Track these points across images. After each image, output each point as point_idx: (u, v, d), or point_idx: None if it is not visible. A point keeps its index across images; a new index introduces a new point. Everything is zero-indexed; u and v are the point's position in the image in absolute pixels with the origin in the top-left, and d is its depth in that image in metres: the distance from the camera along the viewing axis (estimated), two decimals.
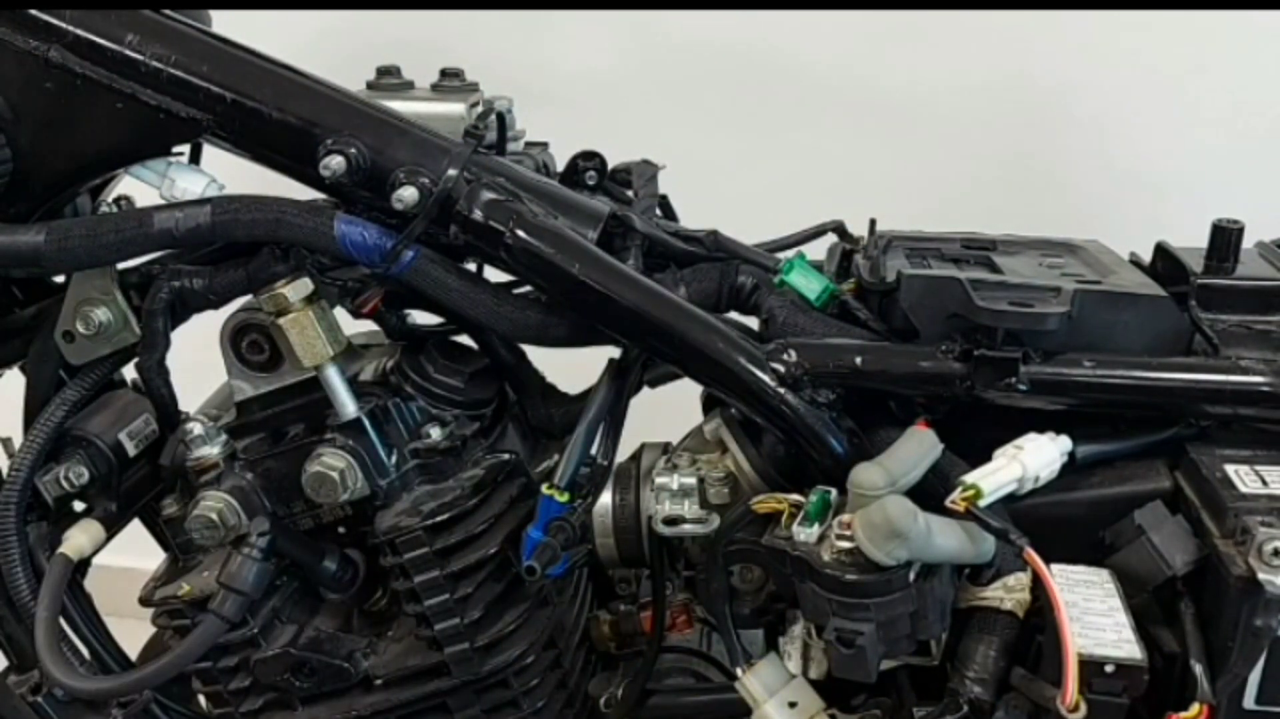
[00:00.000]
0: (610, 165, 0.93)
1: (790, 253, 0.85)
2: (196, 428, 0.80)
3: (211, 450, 0.78)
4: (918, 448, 0.73)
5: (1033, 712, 0.70)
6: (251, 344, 0.79)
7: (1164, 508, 0.73)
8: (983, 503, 0.70)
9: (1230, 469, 0.72)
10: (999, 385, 0.74)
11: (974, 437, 0.76)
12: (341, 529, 0.82)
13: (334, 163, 0.74)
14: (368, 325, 0.86)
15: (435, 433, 0.80)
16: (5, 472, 0.84)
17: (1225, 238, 0.80)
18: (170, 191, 0.79)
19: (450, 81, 0.91)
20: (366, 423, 0.77)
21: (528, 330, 0.81)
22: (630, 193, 0.92)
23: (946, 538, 0.70)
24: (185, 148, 0.80)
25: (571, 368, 0.90)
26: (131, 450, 0.86)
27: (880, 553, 0.67)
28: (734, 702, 0.83)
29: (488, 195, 0.76)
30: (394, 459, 0.79)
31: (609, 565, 0.91)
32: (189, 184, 0.79)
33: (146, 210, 0.77)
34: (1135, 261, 0.87)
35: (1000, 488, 0.71)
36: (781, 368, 0.76)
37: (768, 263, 0.85)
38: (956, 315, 0.75)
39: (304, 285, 0.74)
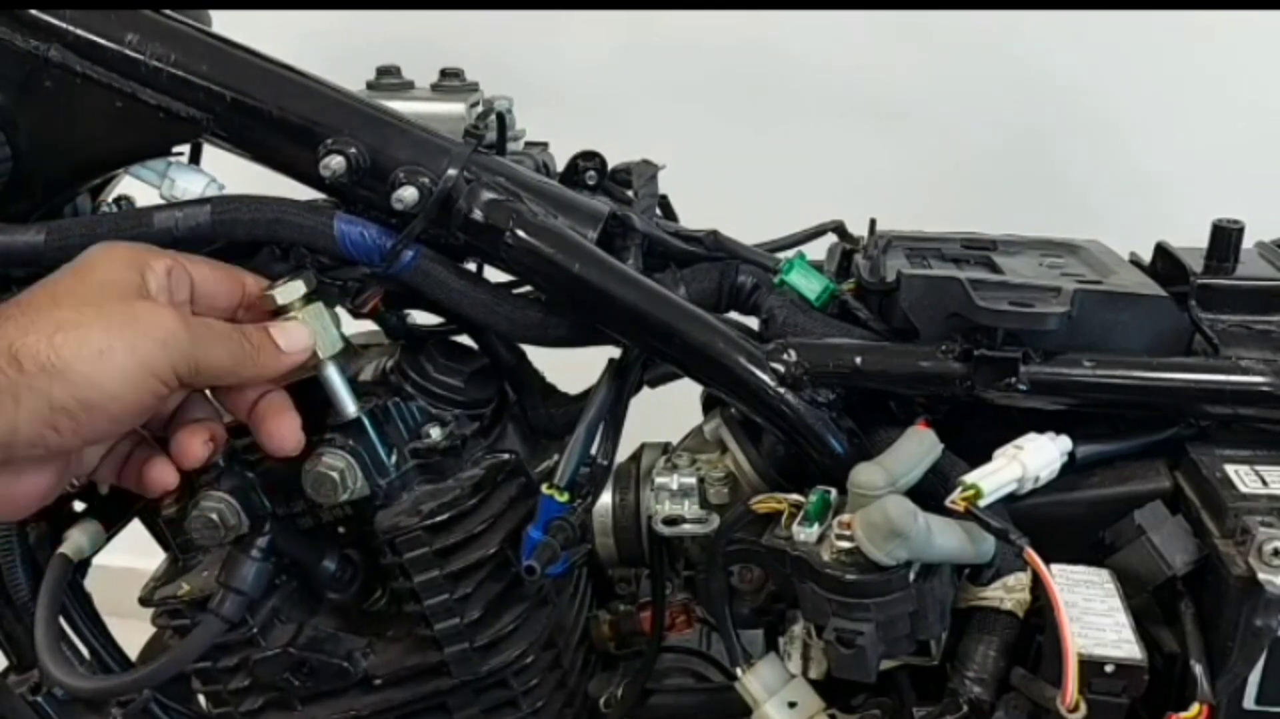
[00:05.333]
0: (610, 165, 0.93)
1: (790, 253, 0.85)
2: None
3: None
4: (918, 448, 0.73)
5: (1033, 712, 0.70)
6: None
7: (1164, 508, 0.73)
8: (983, 503, 0.70)
9: (1230, 469, 0.72)
10: (999, 385, 0.74)
11: (974, 436, 0.76)
12: (341, 529, 0.82)
13: (334, 162, 0.74)
14: (368, 325, 0.86)
15: (435, 433, 0.80)
16: None
17: (1225, 238, 0.80)
18: (170, 191, 0.79)
19: (450, 81, 0.91)
20: (366, 423, 0.77)
21: (528, 330, 0.81)
22: (630, 193, 0.92)
23: (946, 538, 0.70)
24: (185, 148, 0.80)
25: (571, 368, 0.90)
26: None
27: (880, 553, 0.67)
28: (734, 702, 0.83)
29: (488, 195, 0.76)
30: (394, 459, 0.79)
31: (609, 565, 0.91)
32: (189, 184, 0.79)
33: (146, 210, 0.77)
34: (1135, 261, 0.87)
35: (1000, 488, 0.71)
36: (781, 368, 0.76)
37: (768, 263, 0.85)
38: (956, 315, 0.75)
39: (304, 284, 0.73)
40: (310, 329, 0.73)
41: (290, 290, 0.73)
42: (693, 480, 0.84)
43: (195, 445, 0.71)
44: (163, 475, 0.71)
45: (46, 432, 0.62)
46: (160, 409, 0.69)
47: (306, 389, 0.75)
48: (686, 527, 0.82)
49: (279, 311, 0.73)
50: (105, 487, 0.75)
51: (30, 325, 0.62)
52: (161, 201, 0.79)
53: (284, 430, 0.73)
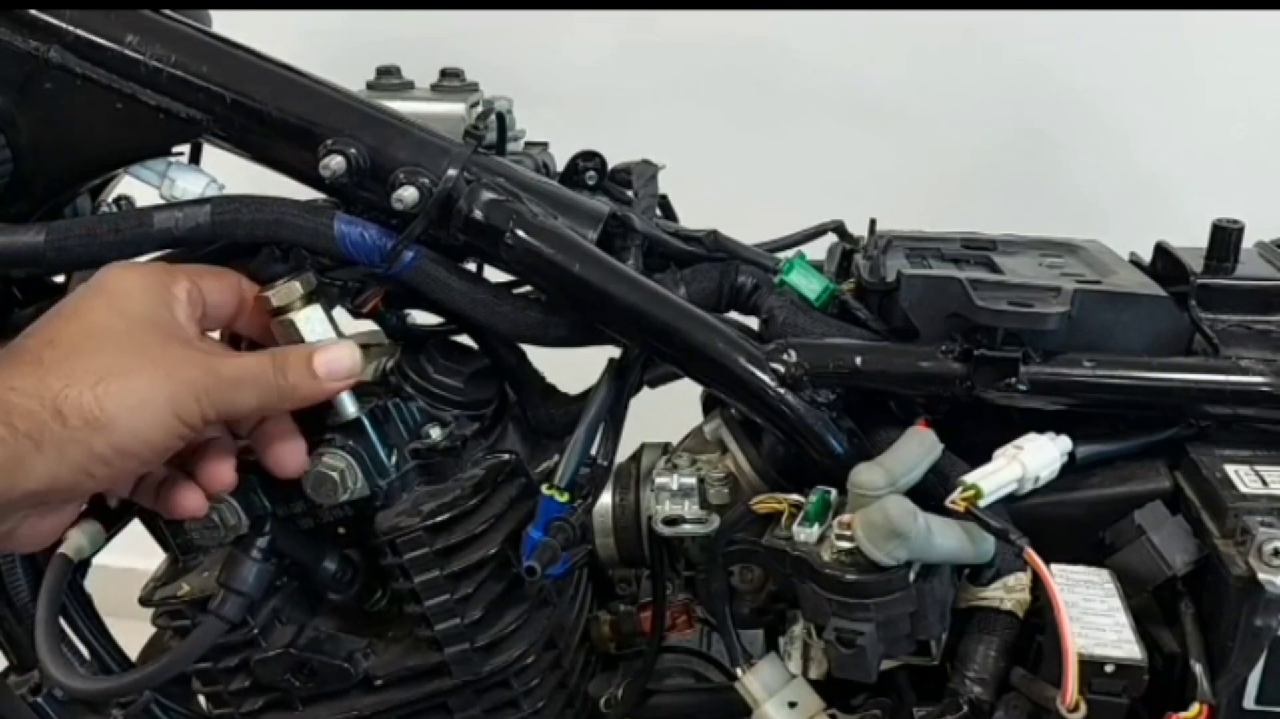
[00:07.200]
0: (610, 165, 0.93)
1: (790, 253, 0.85)
2: None
3: None
4: (918, 448, 0.73)
5: (1033, 712, 0.70)
6: (251, 344, 0.79)
7: (1164, 508, 0.73)
8: (983, 503, 0.70)
9: (1230, 469, 0.72)
10: (999, 385, 0.74)
11: (974, 437, 0.76)
12: (341, 529, 0.82)
13: (334, 163, 0.74)
14: (368, 325, 0.86)
15: (435, 433, 0.80)
16: None
17: (1225, 238, 0.80)
18: (170, 191, 0.79)
19: (450, 81, 0.91)
20: (366, 423, 0.77)
21: (527, 330, 0.81)
22: (630, 193, 0.92)
23: (946, 538, 0.70)
24: (185, 148, 0.80)
25: (571, 368, 0.90)
26: None
27: (880, 553, 0.67)
28: (734, 702, 0.83)
29: (488, 195, 0.76)
30: (394, 459, 0.79)
31: (609, 565, 0.91)
32: (189, 184, 0.79)
33: (146, 210, 0.77)
34: (1135, 261, 0.87)
35: (1000, 488, 0.71)
36: (781, 368, 0.76)
37: (768, 263, 0.85)
38: (956, 315, 0.75)
39: (305, 282, 0.73)
40: (358, 354, 0.72)
41: (288, 291, 0.73)
42: (693, 480, 0.84)
43: (225, 471, 0.72)
44: (192, 501, 0.71)
45: (83, 479, 0.63)
46: None
47: None
48: (686, 527, 0.82)
49: (277, 312, 0.73)
50: (114, 500, 0.76)
51: (72, 375, 0.62)
52: (161, 201, 0.79)
53: (289, 457, 0.73)
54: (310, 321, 0.73)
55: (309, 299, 0.74)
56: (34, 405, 0.61)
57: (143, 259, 0.76)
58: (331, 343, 0.72)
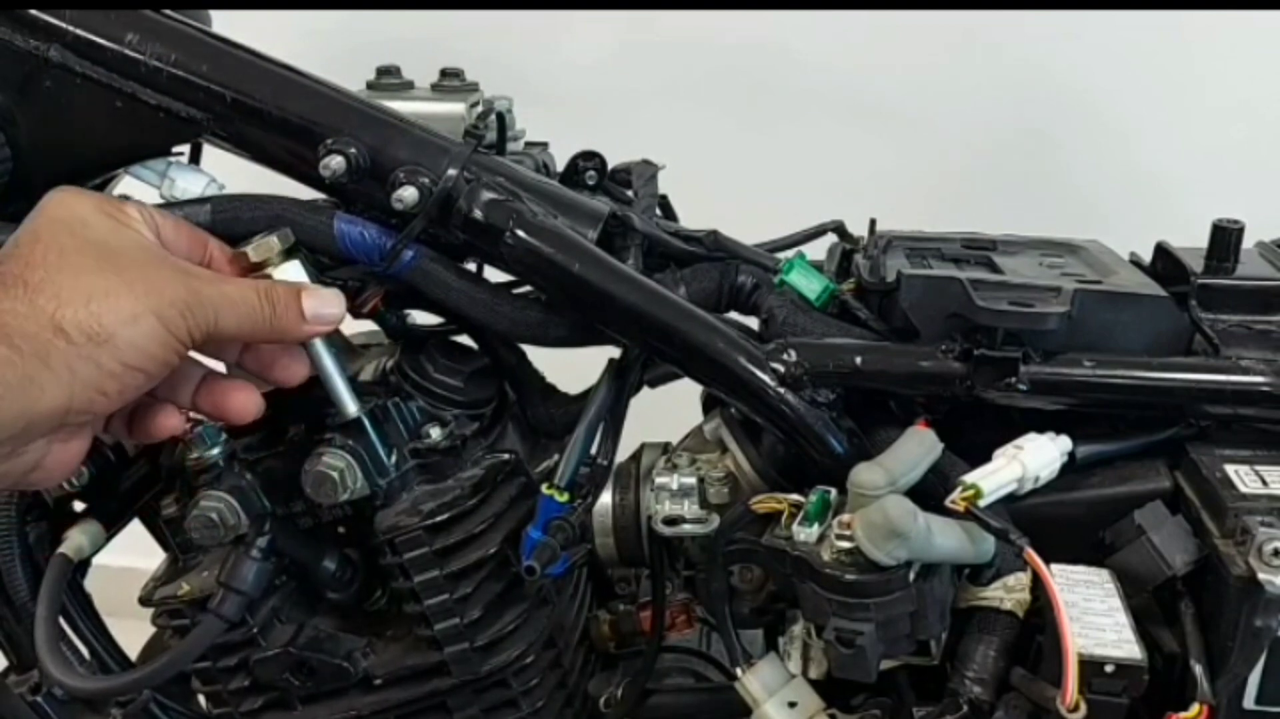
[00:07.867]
0: (610, 165, 0.93)
1: (790, 253, 0.85)
2: (196, 427, 0.80)
3: (211, 450, 0.78)
4: (918, 448, 0.73)
5: (1033, 712, 0.70)
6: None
7: (1164, 508, 0.73)
8: (983, 503, 0.70)
9: (1230, 469, 0.72)
10: (999, 385, 0.74)
11: (974, 437, 0.76)
12: (341, 529, 0.82)
13: (334, 162, 0.74)
14: (368, 325, 0.86)
15: (435, 433, 0.80)
16: None
17: (1225, 238, 0.80)
18: (170, 191, 0.79)
19: (450, 81, 0.91)
20: (366, 422, 0.77)
21: (527, 329, 0.81)
22: (630, 193, 0.92)
23: (946, 538, 0.70)
24: (185, 147, 0.80)
25: (571, 368, 0.90)
26: (131, 450, 0.87)
27: (880, 553, 0.67)
28: (734, 702, 0.83)
29: (487, 195, 0.76)
30: (394, 459, 0.79)
31: (609, 565, 0.91)
32: (189, 184, 0.79)
33: None
34: (1135, 261, 0.87)
35: (1000, 488, 0.71)
36: (781, 368, 0.76)
37: (768, 263, 0.85)
38: (956, 315, 0.75)
39: (283, 238, 0.72)
40: (344, 303, 0.72)
41: (266, 246, 0.71)
42: (693, 480, 0.84)
43: (253, 397, 0.72)
44: (173, 421, 0.72)
45: (96, 397, 0.63)
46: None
47: (306, 389, 0.75)
48: (686, 527, 0.82)
49: (255, 267, 0.72)
50: (110, 437, 0.76)
51: (61, 295, 0.62)
52: (161, 201, 0.79)
53: (288, 369, 0.73)
54: (289, 276, 0.72)
55: (288, 254, 0.72)
56: (32, 327, 0.61)
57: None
58: (321, 287, 0.72)
